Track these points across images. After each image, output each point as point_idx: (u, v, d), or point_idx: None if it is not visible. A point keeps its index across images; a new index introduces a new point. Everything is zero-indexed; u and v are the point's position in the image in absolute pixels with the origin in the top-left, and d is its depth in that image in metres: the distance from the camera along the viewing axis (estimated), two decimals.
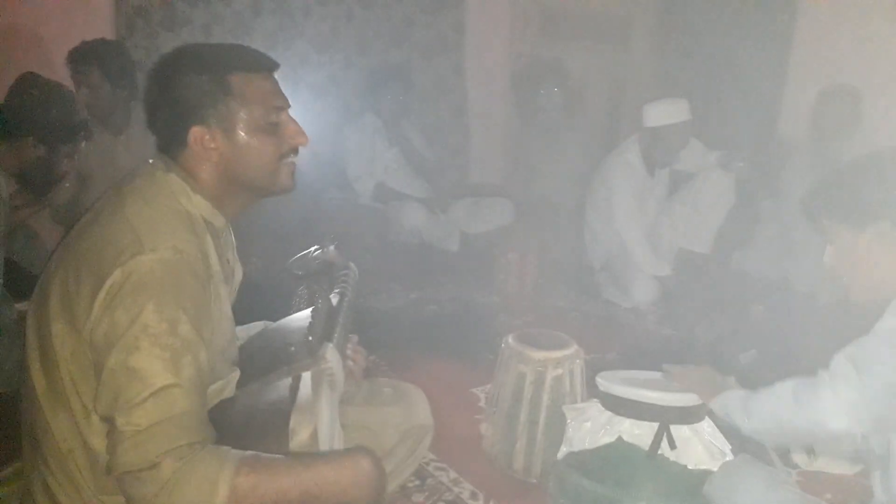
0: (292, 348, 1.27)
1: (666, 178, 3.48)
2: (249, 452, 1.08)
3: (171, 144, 1.23)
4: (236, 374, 1.30)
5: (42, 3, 3.32)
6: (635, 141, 3.34)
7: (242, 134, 1.21)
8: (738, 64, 4.12)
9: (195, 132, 1.20)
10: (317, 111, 3.72)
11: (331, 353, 1.22)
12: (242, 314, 1.59)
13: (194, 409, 1.08)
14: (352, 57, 3.94)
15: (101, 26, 3.38)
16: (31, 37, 3.33)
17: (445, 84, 4.17)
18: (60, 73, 2.75)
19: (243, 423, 1.18)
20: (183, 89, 1.20)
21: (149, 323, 1.06)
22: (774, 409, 1.44)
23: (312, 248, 1.63)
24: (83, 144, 2.34)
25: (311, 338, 1.27)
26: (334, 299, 1.49)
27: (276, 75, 1.29)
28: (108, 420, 1.07)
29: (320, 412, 1.15)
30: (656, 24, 4.67)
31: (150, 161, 1.24)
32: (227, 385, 1.26)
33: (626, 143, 3.39)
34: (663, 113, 3.21)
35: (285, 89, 1.28)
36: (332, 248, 1.64)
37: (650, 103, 3.26)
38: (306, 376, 1.21)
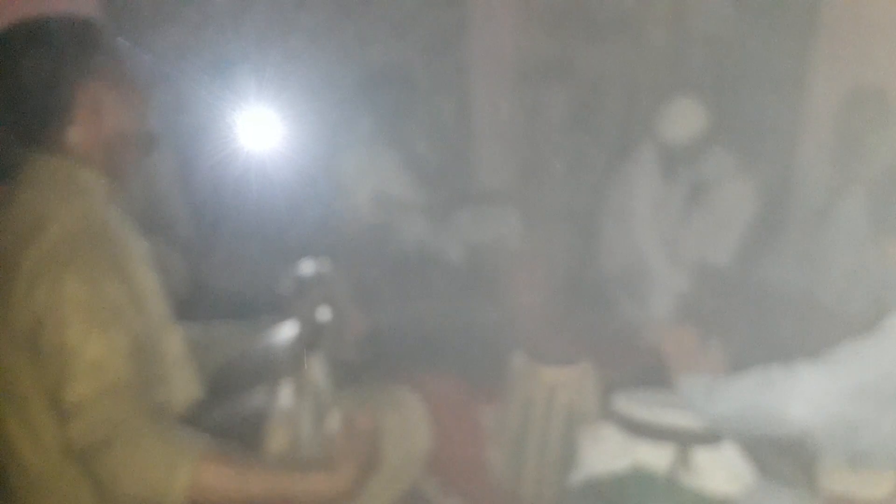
0: (275, 360, 1.31)
1: (685, 187, 3.48)
2: (219, 445, 1.09)
3: (47, 126, 1.23)
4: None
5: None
6: (651, 148, 3.34)
7: (121, 87, 1.28)
8: (758, 63, 4.13)
9: (85, 93, 1.23)
10: (312, 111, 3.73)
11: (314, 363, 1.25)
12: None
13: (135, 376, 1.09)
14: (348, 55, 3.95)
15: None
16: None
17: (448, 84, 4.18)
18: None
19: (218, 435, 1.19)
20: (58, 55, 1.22)
21: (69, 293, 1.08)
22: (740, 391, 1.47)
23: (302, 263, 1.67)
24: None
25: (294, 349, 1.29)
26: (324, 312, 1.51)
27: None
28: (56, 401, 1.08)
29: (300, 421, 1.18)
30: (672, 20, 4.68)
31: (23, 161, 1.25)
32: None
33: (642, 150, 3.39)
34: (678, 124, 3.21)
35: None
36: (321, 261, 1.69)
37: (663, 112, 3.26)
38: (287, 386, 1.25)
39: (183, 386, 1.28)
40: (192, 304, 1.42)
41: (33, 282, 1.09)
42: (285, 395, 1.24)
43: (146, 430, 1.05)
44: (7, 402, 1.15)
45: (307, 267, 1.70)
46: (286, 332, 1.47)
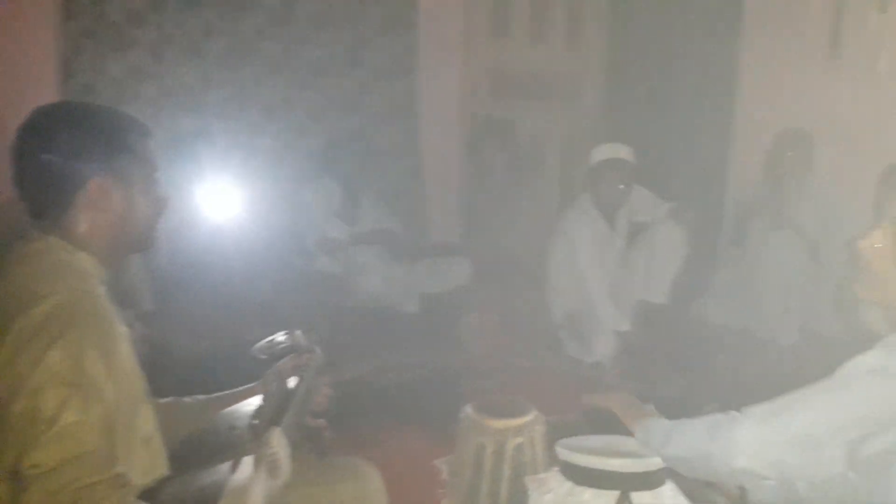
0: (236, 431, 1.26)
1: (625, 230, 3.51)
2: None
3: (53, 205, 1.20)
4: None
5: None
6: (589, 194, 3.38)
7: (134, 189, 1.24)
8: (686, 116, 4.23)
9: (95, 184, 1.19)
10: (271, 179, 3.71)
11: (276, 438, 1.19)
12: (194, 393, 1.54)
13: (103, 448, 1.05)
14: (305, 124, 3.95)
15: (42, 49, 3.33)
16: None
17: (400, 148, 4.19)
18: None
19: None
20: (81, 142, 1.19)
21: (51, 364, 1.03)
22: (691, 438, 1.45)
23: (279, 334, 1.61)
24: None
25: (256, 421, 1.24)
26: (292, 383, 1.45)
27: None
28: (15, 471, 1.02)
29: (250, 499, 1.12)
30: (604, 80, 4.79)
31: (24, 235, 1.21)
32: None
33: (582, 197, 3.43)
34: (602, 151, 3.31)
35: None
36: (298, 332, 1.62)
37: (594, 152, 3.34)
38: (246, 461, 1.18)
39: (150, 462, 1.22)
40: (153, 372, 1.36)
41: (16, 353, 1.05)
42: (242, 471, 1.18)
43: (107, 498, 1.01)
44: None
45: (280, 337, 1.62)
46: (251, 405, 1.41)
